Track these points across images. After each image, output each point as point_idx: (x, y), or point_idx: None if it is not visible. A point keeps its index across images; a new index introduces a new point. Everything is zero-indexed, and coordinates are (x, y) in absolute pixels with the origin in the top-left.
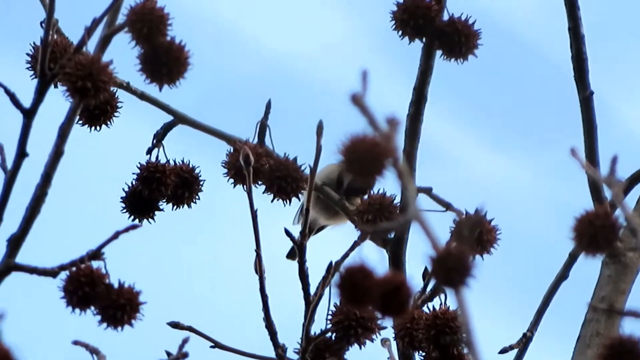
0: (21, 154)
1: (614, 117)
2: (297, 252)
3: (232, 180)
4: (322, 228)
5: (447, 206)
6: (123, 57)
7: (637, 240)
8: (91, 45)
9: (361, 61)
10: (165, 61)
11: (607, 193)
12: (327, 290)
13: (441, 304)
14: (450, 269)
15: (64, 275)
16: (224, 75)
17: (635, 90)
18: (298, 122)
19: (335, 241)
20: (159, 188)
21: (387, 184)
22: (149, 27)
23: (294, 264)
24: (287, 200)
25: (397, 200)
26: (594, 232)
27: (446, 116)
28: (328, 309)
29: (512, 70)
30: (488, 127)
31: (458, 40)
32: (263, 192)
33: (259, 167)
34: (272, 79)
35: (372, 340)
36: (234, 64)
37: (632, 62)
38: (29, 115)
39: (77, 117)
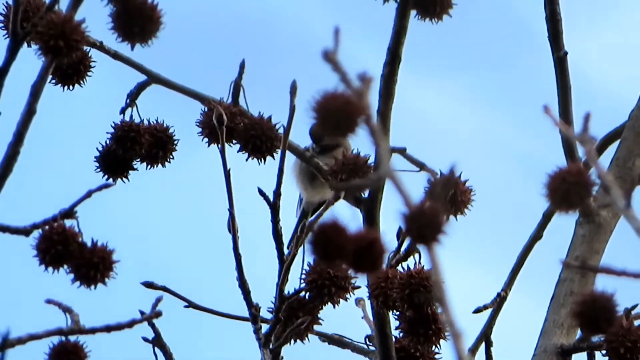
0: None
1: (589, 77)
2: (271, 212)
3: (206, 140)
4: (319, 208)
5: (421, 166)
6: (96, 16)
7: (610, 197)
8: (64, 4)
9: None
10: (137, 20)
11: (581, 152)
12: (301, 250)
13: (416, 263)
14: (423, 226)
15: (36, 234)
16: (198, 35)
17: (609, 50)
18: (273, 81)
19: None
20: (133, 147)
21: (362, 145)
22: None
23: (268, 224)
24: (262, 159)
25: (372, 160)
26: (566, 189)
27: (421, 75)
28: (302, 269)
29: (486, 30)
30: (462, 86)
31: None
32: (238, 151)
33: (234, 126)
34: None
35: (346, 299)
36: (207, 23)
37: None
38: (1, 74)
39: (50, 76)
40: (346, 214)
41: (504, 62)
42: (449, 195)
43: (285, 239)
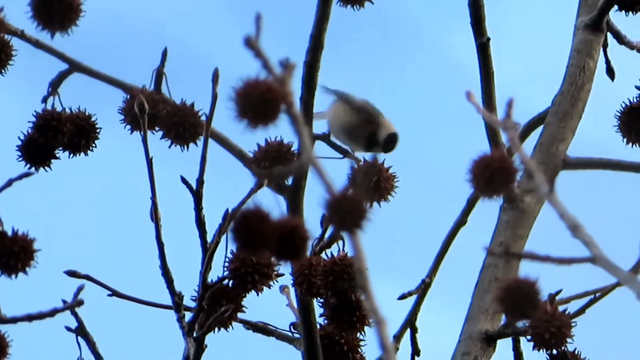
0: None
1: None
2: (194, 200)
3: (128, 127)
4: None
5: (345, 153)
6: (16, 4)
7: (534, 183)
8: None
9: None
10: (57, 8)
11: (505, 138)
12: (224, 238)
13: (339, 250)
14: (345, 213)
15: None
16: (120, 23)
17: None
18: (194, 69)
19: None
20: (55, 136)
21: (286, 132)
22: None
23: (191, 212)
24: (185, 146)
25: (295, 147)
26: (490, 175)
27: (343, 63)
28: (225, 257)
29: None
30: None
31: None
32: (161, 139)
33: (156, 113)
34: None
35: (269, 286)
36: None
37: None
38: None
39: None
40: (270, 202)
41: (427, 47)
42: (371, 182)
43: (210, 228)
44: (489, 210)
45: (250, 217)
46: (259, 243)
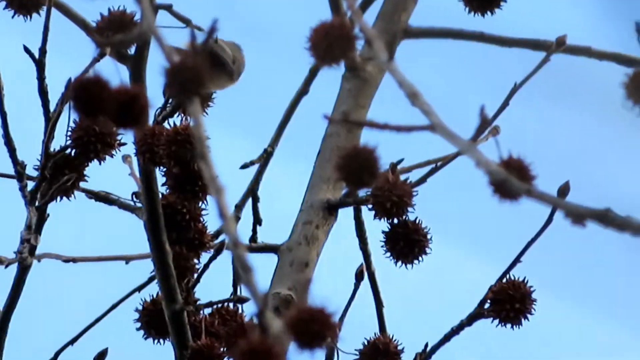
0: None
1: None
2: (37, 69)
3: None
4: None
5: (187, 22)
6: None
7: (373, 51)
8: None
9: None
10: None
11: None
12: (66, 107)
13: (182, 120)
14: (184, 80)
15: None
16: None
17: None
18: None
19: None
20: None
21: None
22: None
23: (33, 82)
24: (28, 16)
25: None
26: (329, 42)
27: None
28: (68, 127)
29: None
30: None
31: None
32: (4, 9)
33: None
34: None
35: (112, 155)
36: None
37: None
38: None
39: None
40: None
41: None
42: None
43: (53, 97)
44: (332, 79)
45: (89, 85)
46: (98, 110)
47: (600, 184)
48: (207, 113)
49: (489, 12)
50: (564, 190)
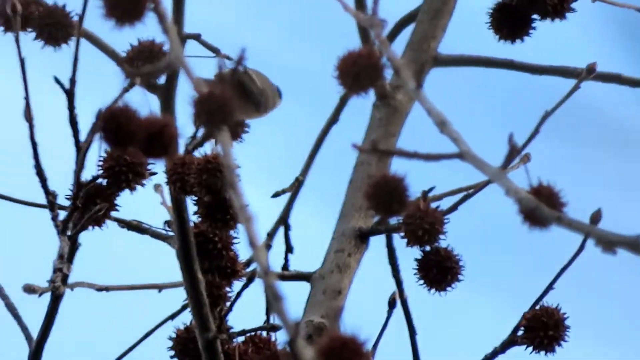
0: None
1: None
2: (67, 99)
3: (1, 28)
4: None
5: (216, 51)
6: None
7: (401, 79)
8: None
9: None
10: None
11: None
12: (97, 137)
13: (213, 148)
14: (211, 110)
15: None
16: None
17: None
18: None
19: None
20: None
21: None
22: None
23: (64, 113)
24: (57, 47)
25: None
26: (357, 71)
27: None
28: (99, 156)
29: None
30: None
31: None
32: (34, 40)
33: (29, 15)
34: None
35: (143, 185)
36: None
37: None
38: None
39: None
40: (141, 101)
41: None
42: (237, 79)
43: (84, 128)
44: (361, 108)
45: (118, 116)
46: (128, 141)
47: (628, 212)
48: (242, 139)
49: (518, 40)
50: (595, 217)
